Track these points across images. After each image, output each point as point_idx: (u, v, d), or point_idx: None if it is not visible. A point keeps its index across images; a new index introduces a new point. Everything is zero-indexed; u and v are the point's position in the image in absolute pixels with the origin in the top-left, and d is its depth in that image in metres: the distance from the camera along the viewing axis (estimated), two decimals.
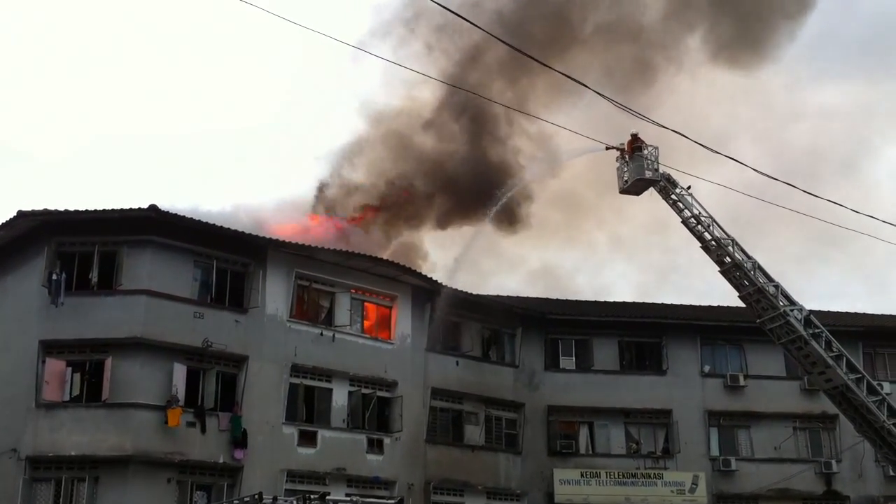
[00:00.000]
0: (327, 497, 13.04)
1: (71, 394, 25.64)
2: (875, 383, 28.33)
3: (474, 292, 32.81)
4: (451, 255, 33.11)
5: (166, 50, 71.49)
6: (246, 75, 72.73)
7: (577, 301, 37.97)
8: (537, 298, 36.74)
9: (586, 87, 19.13)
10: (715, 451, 35.05)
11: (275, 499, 12.76)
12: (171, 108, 72.65)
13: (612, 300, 38.91)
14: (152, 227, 26.36)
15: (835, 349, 27.43)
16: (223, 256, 27.57)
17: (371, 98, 36.80)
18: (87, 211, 26.23)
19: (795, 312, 27.34)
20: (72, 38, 69.38)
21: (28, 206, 25.66)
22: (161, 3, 67.81)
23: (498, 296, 35.11)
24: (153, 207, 25.96)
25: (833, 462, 34.99)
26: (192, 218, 26.76)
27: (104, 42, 71.53)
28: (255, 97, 73.25)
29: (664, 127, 20.97)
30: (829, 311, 35.27)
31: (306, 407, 28.65)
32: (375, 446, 29.42)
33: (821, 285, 63.41)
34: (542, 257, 38.18)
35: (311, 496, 12.97)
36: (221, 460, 26.22)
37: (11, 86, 67.93)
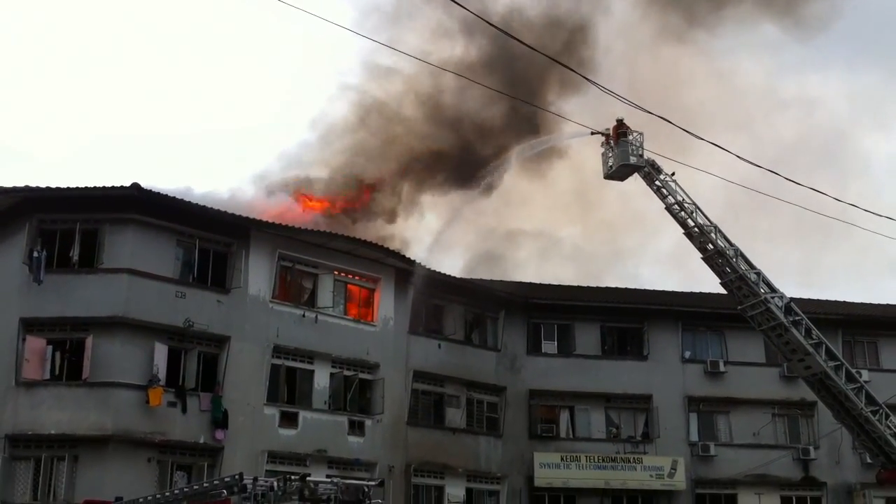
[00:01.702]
0: (308, 478, 12.98)
1: (51, 372, 25.50)
2: (854, 371, 28.57)
3: (457, 275, 32.84)
4: (433, 238, 33.12)
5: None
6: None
7: (559, 286, 38.01)
8: (520, 283, 36.80)
9: (573, 70, 19.09)
10: (694, 437, 35.32)
11: (255, 480, 12.69)
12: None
13: (594, 285, 38.93)
14: (134, 205, 26.18)
15: (814, 337, 27.60)
16: (206, 236, 27.42)
17: (356, 82, 36.50)
18: (68, 188, 26.00)
19: (776, 300, 27.49)
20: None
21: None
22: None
23: (481, 279, 35.08)
24: (135, 185, 25.78)
25: (811, 448, 35.33)
26: (174, 197, 26.58)
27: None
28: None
29: (650, 112, 20.96)
30: (809, 299, 35.47)
31: (288, 388, 28.62)
32: (356, 428, 29.44)
33: (802, 273, 63.71)
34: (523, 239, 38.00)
35: (292, 477, 12.89)
36: (202, 441, 26.19)
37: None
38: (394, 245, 31.64)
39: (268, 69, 71.76)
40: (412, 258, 31.06)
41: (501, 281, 35.53)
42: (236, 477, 12.93)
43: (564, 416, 35.21)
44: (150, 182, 26.07)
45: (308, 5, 16.01)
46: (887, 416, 27.89)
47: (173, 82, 72.04)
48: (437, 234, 32.55)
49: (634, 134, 28.06)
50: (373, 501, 13.14)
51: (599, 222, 42.23)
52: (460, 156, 33.42)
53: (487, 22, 18.23)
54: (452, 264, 33.54)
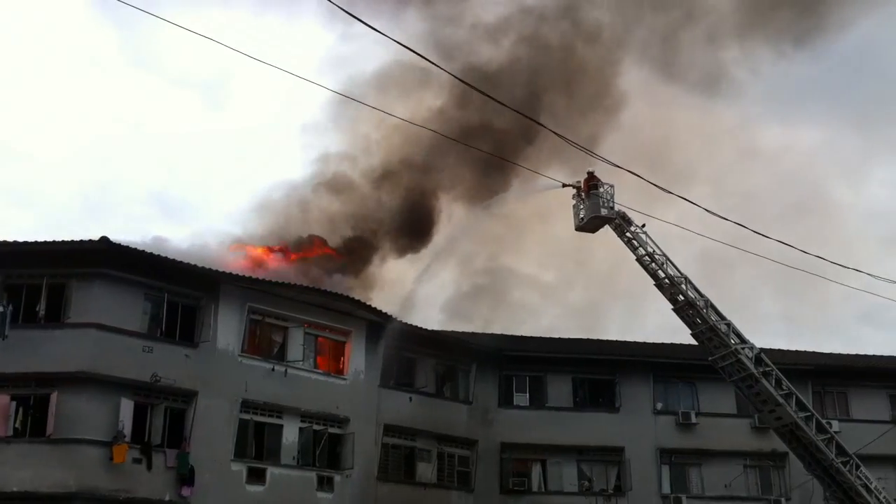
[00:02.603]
0: None
1: (14, 429, 25.02)
2: (824, 422, 28.60)
3: (429, 328, 32.76)
4: (405, 292, 33.11)
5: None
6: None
7: (531, 337, 38.02)
8: (492, 335, 36.75)
9: (544, 126, 19.28)
10: (666, 489, 35.12)
11: None
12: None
13: (566, 337, 38.98)
14: (103, 259, 25.96)
15: (785, 387, 27.68)
16: (175, 290, 27.21)
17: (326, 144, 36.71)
18: (36, 242, 25.80)
19: (746, 351, 27.58)
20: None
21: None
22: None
23: (453, 332, 35.04)
24: (104, 240, 25.58)
25: (783, 500, 35.24)
26: (143, 251, 26.40)
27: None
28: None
29: (619, 167, 21.20)
30: (779, 350, 35.68)
31: (256, 443, 28.25)
32: (326, 484, 29.06)
33: (772, 324, 64.20)
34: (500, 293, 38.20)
35: None
36: (168, 498, 25.74)
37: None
38: (365, 298, 31.54)
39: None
40: (384, 311, 30.94)
41: (473, 333, 35.48)
42: None
43: (537, 470, 34.94)
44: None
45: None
46: (858, 467, 27.91)
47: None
48: (409, 287, 32.55)
49: (605, 186, 28.30)
50: None
51: (576, 272, 42.44)
52: (429, 211, 33.57)
53: (463, 81, 18.38)
54: (424, 317, 33.54)
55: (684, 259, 28.79)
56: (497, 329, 37.36)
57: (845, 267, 24.38)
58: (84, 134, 70.88)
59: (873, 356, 40.19)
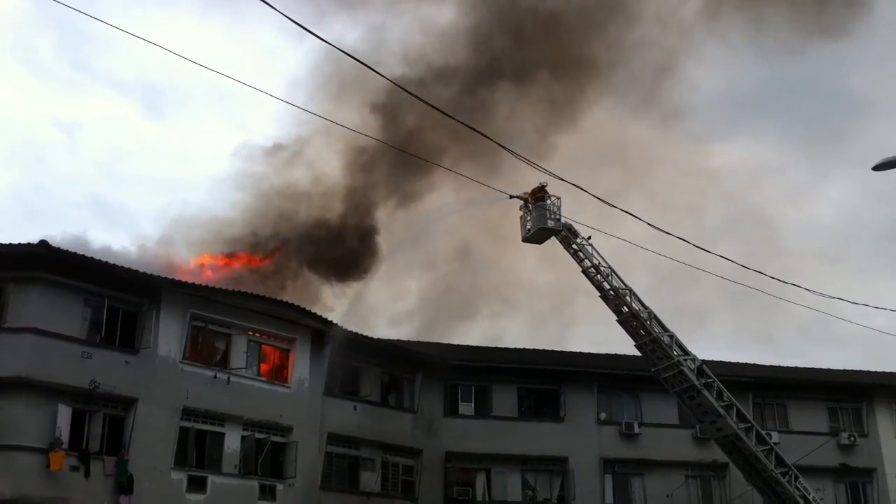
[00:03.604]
0: None
1: None
2: (764, 433, 29.09)
3: (374, 336, 32.64)
4: (348, 301, 33.03)
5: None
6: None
7: (476, 347, 38.07)
8: (438, 344, 36.72)
9: (490, 139, 19.28)
10: (609, 499, 35.38)
11: None
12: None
13: (511, 346, 39.11)
14: (42, 263, 25.41)
15: (725, 399, 28.09)
16: (115, 295, 26.73)
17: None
18: None
19: (688, 362, 27.96)
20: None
21: None
22: None
23: (398, 340, 34.94)
24: (43, 243, 25.07)
25: None
26: (83, 255, 25.89)
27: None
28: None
29: (564, 180, 21.33)
30: (721, 362, 36.13)
31: (197, 452, 27.83)
32: (268, 493, 28.75)
33: (713, 337, 65.13)
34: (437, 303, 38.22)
35: None
36: None
37: None
38: (310, 306, 31.28)
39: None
40: (328, 319, 30.77)
41: (419, 342, 35.42)
42: None
43: (481, 479, 34.96)
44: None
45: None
46: (797, 478, 28.39)
47: None
48: (353, 295, 32.45)
49: (552, 198, 28.51)
50: None
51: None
52: (370, 222, 33.48)
53: (412, 94, 18.35)
54: (370, 327, 33.38)
55: (633, 273, 29.11)
56: (443, 339, 37.36)
57: (784, 282, 24.78)
58: (18, 135, 69.66)
59: (812, 369, 40.93)
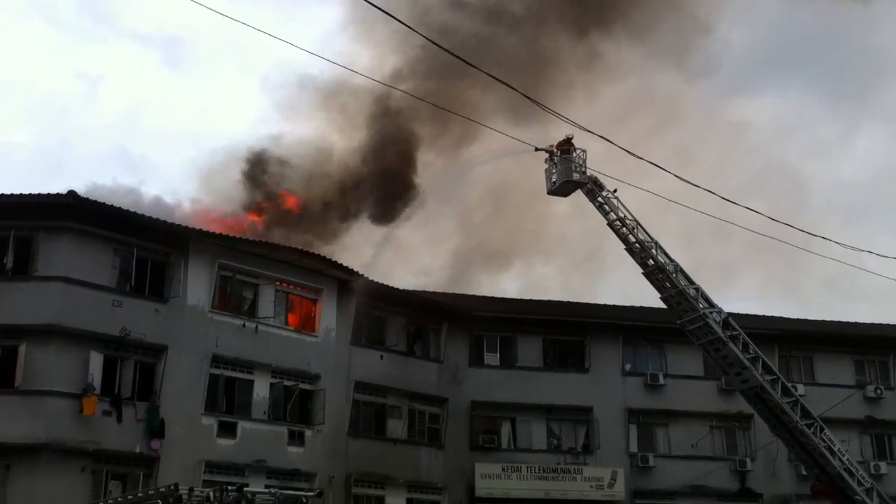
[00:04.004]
0: (245, 489, 12.81)
1: None
2: (790, 385, 29.08)
3: (400, 287, 32.83)
4: (374, 252, 33.13)
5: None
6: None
7: (502, 298, 38.21)
8: (463, 295, 36.90)
9: (516, 90, 19.22)
10: (634, 448, 35.63)
11: (191, 490, 12.52)
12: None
13: (537, 298, 39.22)
14: (71, 213, 25.73)
15: (751, 351, 28.06)
16: (144, 245, 27.04)
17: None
18: (2, 195, 25.55)
19: (714, 315, 27.90)
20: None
21: None
22: None
23: (424, 291, 35.14)
24: (72, 193, 25.37)
25: (748, 460, 35.83)
26: (111, 205, 26.17)
27: None
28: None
29: (590, 132, 21.26)
30: (746, 314, 36.07)
31: (226, 398, 28.31)
32: (296, 439, 29.21)
33: (740, 290, 64.86)
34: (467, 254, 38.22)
35: (229, 488, 12.70)
36: (138, 450, 25.80)
37: None
38: (337, 256, 31.47)
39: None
40: (354, 269, 30.95)
41: (444, 293, 35.59)
42: (171, 487, 12.72)
43: (506, 428, 35.32)
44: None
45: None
46: (822, 430, 28.42)
47: None
48: (378, 245, 32.58)
49: (578, 151, 28.34)
50: None
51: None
52: (399, 173, 33.39)
53: (439, 45, 18.27)
54: (398, 277, 33.55)
55: (659, 227, 29.01)
56: (469, 290, 37.52)
57: (812, 234, 24.66)
58: (41, 89, 70.01)
59: (839, 322, 40.77)
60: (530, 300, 38.93)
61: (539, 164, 28.85)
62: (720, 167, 52.81)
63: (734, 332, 28.04)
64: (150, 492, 13.73)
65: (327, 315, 30.88)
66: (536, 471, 34.05)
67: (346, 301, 31.31)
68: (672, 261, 28.23)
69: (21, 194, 25.53)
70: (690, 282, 28.24)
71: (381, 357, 32.40)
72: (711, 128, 56.14)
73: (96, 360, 25.33)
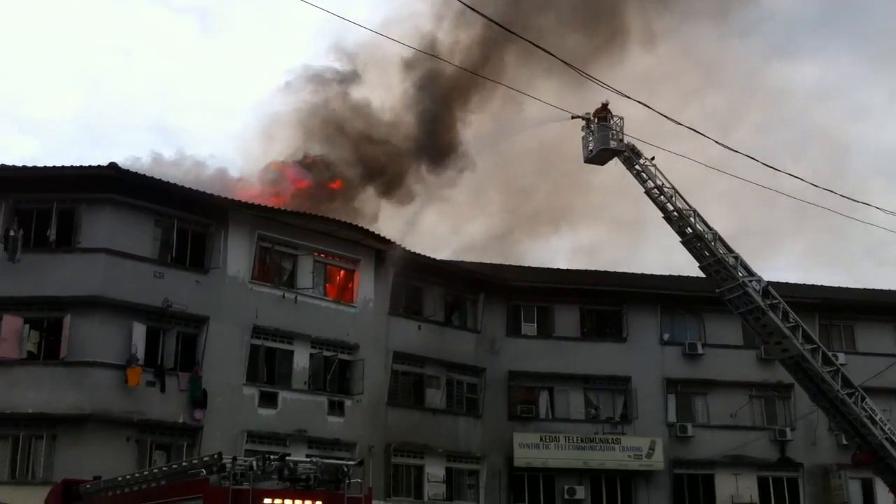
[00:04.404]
0: (287, 458, 12.92)
1: (28, 351, 25.33)
2: (830, 354, 28.76)
3: (437, 258, 32.88)
4: (411, 223, 33.15)
5: None
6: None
7: (539, 268, 38.12)
8: (500, 265, 36.86)
9: (554, 56, 19.04)
10: (672, 418, 35.57)
11: (234, 459, 12.61)
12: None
13: (574, 268, 39.07)
14: (112, 185, 26.00)
15: (791, 320, 27.77)
16: (184, 216, 27.29)
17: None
18: (45, 168, 25.90)
19: (753, 283, 27.61)
20: None
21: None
22: None
23: (461, 261, 35.15)
24: (113, 165, 25.62)
25: (787, 430, 35.66)
26: (152, 177, 26.43)
27: None
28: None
29: (629, 97, 21.03)
30: (786, 283, 35.76)
31: (267, 369, 28.59)
32: (336, 408, 29.46)
33: (779, 257, 64.35)
34: (506, 226, 38.13)
35: (271, 457, 12.82)
36: (181, 420, 26.17)
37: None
38: (375, 227, 31.54)
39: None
40: (391, 240, 31.02)
41: (481, 263, 35.57)
42: (215, 456, 12.85)
43: (544, 398, 35.38)
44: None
45: None
46: (863, 399, 28.12)
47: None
48: (413, 215, 32.59)
49: (615, 118, 28.08)
50: (352, 481, 13.09)
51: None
52: (436, 141, 33.23)
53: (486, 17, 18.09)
54: (433, 246, 33.55)
55: (697, 195, 28.66)
56: (506, 260, 37.48)
57: (855, 201, 24.30)
58: (79, 61, 70.50)
59: (880, 290, 40.29)
60: (567, 270, 38.83)
61: (577, 131, 28.62)
62: (761, 133, 52.15)
63: (774, 301, 27.75)
64: (195, 461, 13.86)
65: (365, 285, 31.02)
66: (574, 440, 34.12)
67: (383, 271, 31.42)
68: (711, 229, 27.94)
69: (62, 166, 25.87)
70: (729, 250, 27.93)
71: (419, 327, 32.53)
72: (752, 93, 55.42)
73: (139, 331, 25.67)
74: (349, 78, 34.69)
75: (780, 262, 64.37)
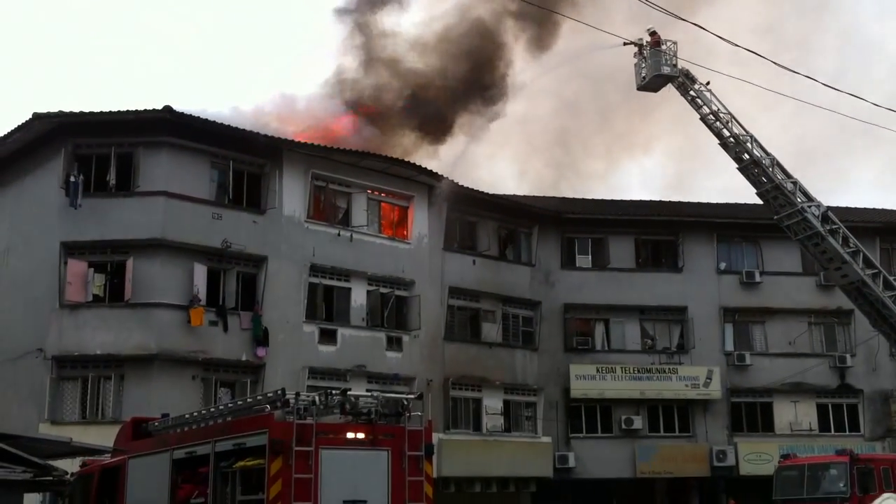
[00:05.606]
0: (348, 393, 13.15)
1: (93, 294, 25.99)
2: (891, 278, 28.35)
3: (490, 192, 32.83)
4: (465, 157, 32.99)
5: None
6: None
7: (592, 200, 37.90)
8: (553, 198, 36.71)
9: None
10: (729, 347, 35.45)
11: (297, 395, 12.86)
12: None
13: (628, 198, 38.77)
14: (167, 128, 26.28)
15: (851, 245, 27.40)
16: (239, 157, 27.53)
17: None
18: (102, 112, 26.23)
19: (813, 209, 27.25)
20: None
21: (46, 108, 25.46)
22: None
23: (514, 195, 35.06)
24: (168, 108, 25.85)
25: (847, 356, 35.39)
26: (206, 119, 26.62)
27: None
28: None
29: (685, 20, 20.63)
30: (846, 207, 35.18)
31: (326, 306, 28.98)
32: (394, 344, 29.83)
33: (840, 182, 62.99)
34: (557, 156, 37.79)
35: (333, 392, 13.06)
36: (244, 358, 26.72)
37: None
38: (426, 162, 31.48)
39: None
40: (443, 175, 31.00)
41: (534, 196, 35.44)
42: (279, 392, 13.11)
43: (599, 329, 35.44)
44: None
45: None
46: None
47: None
48: (463, 149, 32.47)
49: (668, 43, 27.59)
50: (412, 414, 13.32)
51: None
52: (483, 75, 32.89)
53: None
54: (486, 180, 33.40)
55: (754, 120, 28.20)
56: (559, 192, 37.29)
57: None
58: (125, 12, 70.63)
59: None
60: (621, 200, 38.58)
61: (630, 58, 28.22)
62: (814, 52, 50.74)
63: (833, 226, 27.37)
64: (259, 397, 14.16)
65: (419, 221, 31.14)
66: (631, 371, 34.22)
67: (437, 207, 31.49)
68: (768, 154, 27.53)
69: (118, 111, 26.20)
70: (788, 175, 27.54)
71: (474, 262, 32.64)
72: (805, 9, 53.73)
73: (200, 272, 26.13)
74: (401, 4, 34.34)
75: (845, 188, 62.97)
